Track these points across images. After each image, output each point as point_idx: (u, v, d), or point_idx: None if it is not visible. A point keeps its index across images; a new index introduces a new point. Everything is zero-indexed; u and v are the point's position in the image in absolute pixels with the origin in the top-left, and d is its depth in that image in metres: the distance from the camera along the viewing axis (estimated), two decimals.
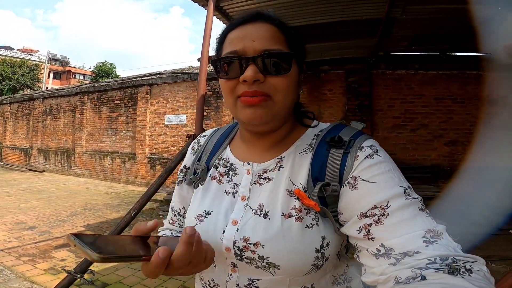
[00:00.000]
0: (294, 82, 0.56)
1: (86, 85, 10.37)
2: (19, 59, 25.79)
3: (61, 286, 1.91)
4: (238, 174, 0.61)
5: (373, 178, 0.49)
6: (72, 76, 37.04)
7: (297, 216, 0.52)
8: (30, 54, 32.84)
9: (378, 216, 0.47)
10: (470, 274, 0.39)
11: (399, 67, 5.72)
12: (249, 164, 0.60)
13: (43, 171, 10.83)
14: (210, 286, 0.59)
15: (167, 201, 6.36)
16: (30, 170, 10.98)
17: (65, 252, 3.90)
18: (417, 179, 4.69)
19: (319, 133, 0.59)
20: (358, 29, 4.39)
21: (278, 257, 0.51)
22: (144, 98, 8.28)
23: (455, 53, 5.50)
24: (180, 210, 0.71)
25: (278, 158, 0.58)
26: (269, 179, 0.57)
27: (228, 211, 0.57)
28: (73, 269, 1.81)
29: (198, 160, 0.68)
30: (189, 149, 0.73)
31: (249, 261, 0.53)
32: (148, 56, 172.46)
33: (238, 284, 0.55)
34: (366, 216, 0.47)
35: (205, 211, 0.60)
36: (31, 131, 11.59)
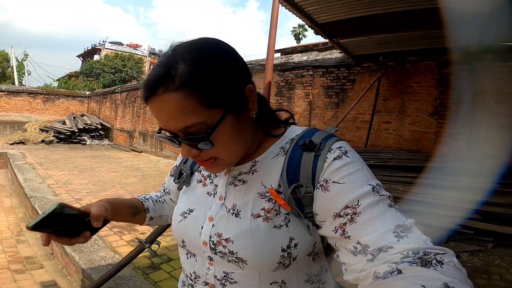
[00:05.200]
0: (233, 134, 0.54)
1: None
2: (128, 53, 29.39)
3: (133, 254, 2.15)
4: (218, 175, 0.66)
5: (342, 179, 0.51)
6: None
7: (265, 216, 0.55)
8: (136, 49, 37.81)
9: (351, 215, 0.49)
10: (442, 266, 0.41)
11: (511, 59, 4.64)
12: None
13: (141, 151, 12.65)
14: (191, 279, 0.64)
15: None
16: (132, 150, 12.96)
17: (146, 226, 4.51)
18: None
19: (294, 137, 0.60)
20: (452, 16, 3.69)
21: (245, 253, 0.54)
22: None
23: None
24: (167, 189, 0.86)
25: (253, 162, 0.61)
26: (244, 181, 0.61)
27: (207, 209, 0.62)
28: (144, 239, 2.07)
29: (185, 163, 0.74)
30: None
31: (222, 255, 0.57)
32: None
33: (215, 276, 0.59)
34: (340, 216, 0.50)
35: (189, 209, 0.65)
36: (135, 116, 13.59)
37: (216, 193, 0.64)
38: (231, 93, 0.52)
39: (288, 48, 10.33)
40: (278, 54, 9.26)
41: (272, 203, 0.56)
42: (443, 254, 0.42)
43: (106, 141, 15.24)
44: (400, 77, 5.48)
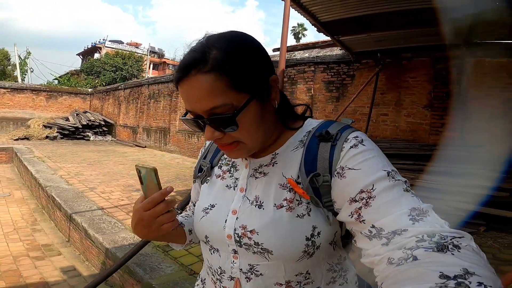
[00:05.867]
0: (257, 120, 0.57)
1: None
2: (128, 52, 29.40)
3: None
4: (238, 169, 0.67)
5: (357, 166, 0.52)
6: (167, 67, 41.54)
7: (288, 206, 0.57)
8: (136, 47, 37.80)
9: (366, 200, 0.50)
10: (459, 250, 0.39)
11: (499, 55, 4.99)
12: (246, 159, 0.66)
13: (145, 147, 12.93)
14: (218, 274, 0.64)
15: None
16: (136, 145, 13.24)
17: None
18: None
19: (311, 129, 0.62)
20: (445, 15, 4.03)
21: (270, 243, 0.55)
22: None
23: None
24: (192, 201, 0.83)
25: (273, 155, 0.63)
26: (264, 173, 0.63)
27: (229, 202, 0.64)
28: (176, 206, 2.29)
29: (204, 158, 0.76)
30: (200, 152, 0.81)
31: (247, 247, 0.58)
32: None
33: (241, 269, 0.60)
34: (355, 201, 0.51)
35: (210, 204, 0.66)
36: (138, 112, 13.85)
37: (236, 186, 0.65)
38: (257, 80, 0.55)
39: (289, 46, 10.66)
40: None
41: (293, 193, 0.57)
42: (460, 238, 0.41)
43: (109, 137, 15.50)
44: (397, 72, 5.81)
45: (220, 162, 0.72)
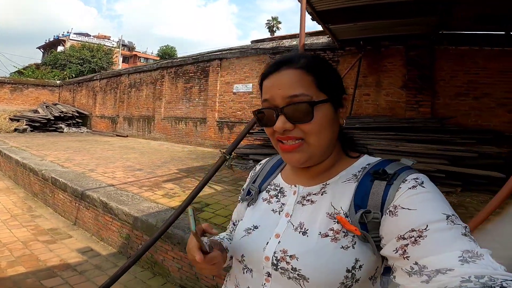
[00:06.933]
0: (328, 121, 0.59)
1: (164, 61, 11.88)
2: (96, 45, 28.55)
3: (218, 165, 2.48)
4: (286, 195, 0.67)
5: (413, 206, 0.50)
6: (138, 59, 41.35)
7: (333, 237, 0.55)
8: (104, 40, 36.61)
9: (415, 238, 0.47)
10: None
11: (462, 44, 5.89)
12: (295, 186, 0.66)
13: (127, 136, 12.77)
14: None
15: (235, 156, 7.36)
16: (117, 135, 13.02)
17: (171, 184, 4.96)
18: (478, 141, 4.97)
19: (367, 166, 0.61)
20: (419, 8, 4.73)
21: (309, 270, 0.54)
22: (215, 71, 9.42)
23: None
24: (236, 221, 0.82)
25: (323, 184, 0.63)
26: (312, 201, 0.62)
27: (273, 226, 0.63)
28: (224, 151, 2.46)
29: (253, 183, 0.77)
30: (249, 175, 0.83)
31: (283, 271, 0.57)
32: (199, 43, 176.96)
33: None
34: (404, 238, 0.48)
35: (253, 225, 0.66)
36: (117, 102, 13.60)
37: (282, 211, 0.65)
38: (335, 88, 0.61)
39: (277, 36, 11.17)
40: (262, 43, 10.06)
41: (341, 225, 0.56)
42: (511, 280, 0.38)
43: (84, 129, 15.02)
44: (376, 58, 6.56)
45: (268, 187, 0.73)
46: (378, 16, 5.19)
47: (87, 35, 38.99)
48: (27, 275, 3.08)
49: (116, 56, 29.36)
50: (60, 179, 5.11)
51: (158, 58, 33.87)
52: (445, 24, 5.45)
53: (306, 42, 7.37)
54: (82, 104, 16.00)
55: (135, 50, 43.67)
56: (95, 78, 15.25)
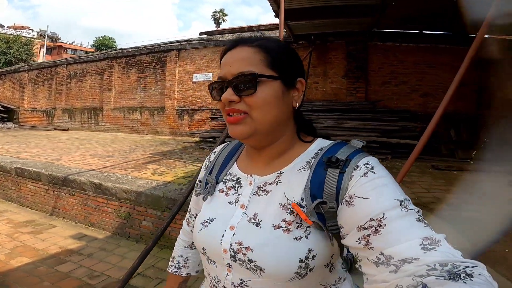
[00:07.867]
0: (274, 99, 0.59)
1: (114, 51, 11.43)
2: (12, 35, 26.07)
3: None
4: (242, 186, 0.67)
5: (367, 194, 0.51)
6: (64, 51, 37.57)
7: (286, 228, 0.57)
8: (22, 31, 32.77)
9: (375, 227, 0.48)
10: (472, 279, 0.39)
11: (388, 40, 7.40)
12: (251, 176, 0.66)
13: (68, 129, 11.88)
14: (215, 282, 0.65)
15: (201, 140, 7.83)
16: (56, 129, 11.99)
17: (153, 165, 5.05)
18: (400, 118, 6.46)
19: (319, 151, 0.62)
20: (358, 10, 5.85)
21: (263, 261, 0.55)
22: (173, 61, 9.58)
23: (430, 32, 7.19)
24: (194, 214, 0.86)
25: (278, 173, 0.64)
26: (267, 191, 0.63)
27: (228, 218, 0.64)
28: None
29: (209, 174, 0.75)
30: (203, 165, 0.82)
31: (240, 262, 0.58)
32: (136, 34, 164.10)
33: (232, 283, 0.60)
34: (364, 228, 0.49)
35: (209, 218, 0.67)
36: (54, 94, 12.49)
37: (238, 202, 0.65)
38: (288, 68, 0.62)
39: (227, 28, 11.67)
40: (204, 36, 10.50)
41: (294, 215, 0.57)
42: (473, 267, 0.41)
43: (11, 124, 13.35)
44: (324, 51, 7.76)
45: (225, 177, 0.72)
46: (327, 15, 6.22)
47: (1, 25, 34.63)
48: (35, 264, 3.02)
49: (37, 48, 26.38)
50: (30, 169, 4.80)
51: (92, 50, 31.43)
52: (376, 23, 6.75)
53: (266, 35, 8.18)
54: (7, 97, 14.17)
55: (59, 41, 39.61)
56: (21, 69, 13.67)
